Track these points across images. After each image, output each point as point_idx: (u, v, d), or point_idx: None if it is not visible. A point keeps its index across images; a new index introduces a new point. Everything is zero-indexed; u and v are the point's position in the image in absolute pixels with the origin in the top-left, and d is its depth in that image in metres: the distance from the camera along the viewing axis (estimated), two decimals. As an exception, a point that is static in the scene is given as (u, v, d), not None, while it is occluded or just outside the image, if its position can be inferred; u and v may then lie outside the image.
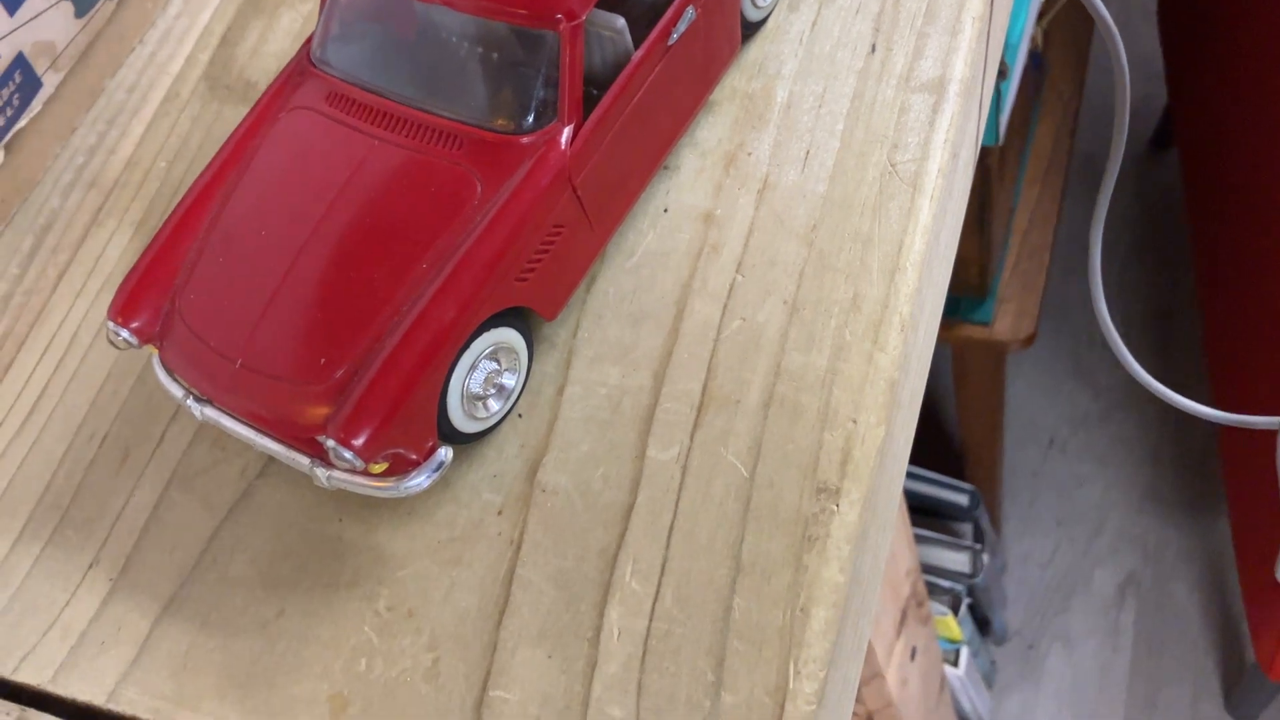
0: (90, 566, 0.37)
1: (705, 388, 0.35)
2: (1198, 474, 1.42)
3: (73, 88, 0.46)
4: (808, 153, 0.38)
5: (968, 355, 1.03)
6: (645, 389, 0.35)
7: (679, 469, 0.34)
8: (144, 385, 0.40)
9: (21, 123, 0.44)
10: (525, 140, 0.33)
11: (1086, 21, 1.04)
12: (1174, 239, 1.58)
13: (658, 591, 0.32)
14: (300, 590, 0.35)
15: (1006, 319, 0.98)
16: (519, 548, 0.34)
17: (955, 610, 1.04)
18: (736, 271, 0.37)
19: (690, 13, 0.36)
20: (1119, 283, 1.56)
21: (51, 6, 0.43)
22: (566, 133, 0.33)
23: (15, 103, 0.43)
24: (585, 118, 0.34)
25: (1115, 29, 0.41)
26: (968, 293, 0.97)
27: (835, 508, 0.32)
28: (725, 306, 0.36)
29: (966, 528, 1.13)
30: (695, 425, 0.34)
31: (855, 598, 0.32)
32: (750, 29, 0.40)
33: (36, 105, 0.44)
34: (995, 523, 1.35)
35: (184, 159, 0.45)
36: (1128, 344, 1.67)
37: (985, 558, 1.08)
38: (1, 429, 0.40)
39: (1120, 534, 1.41)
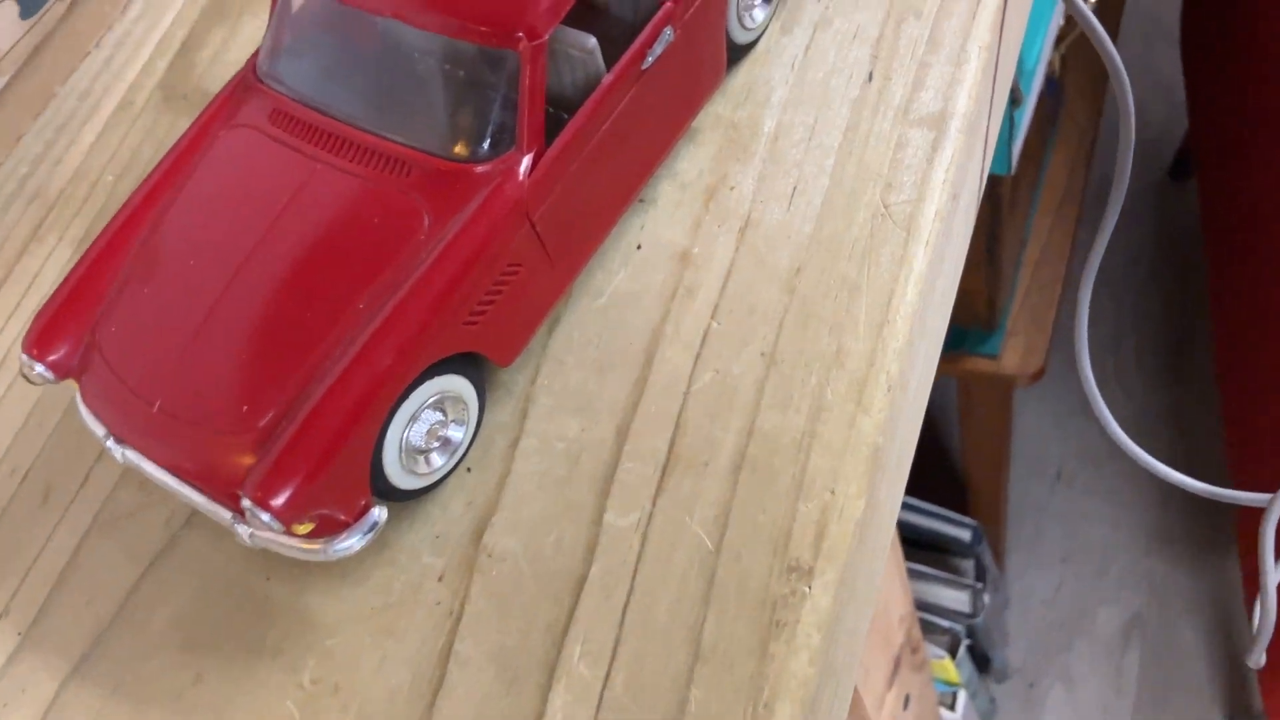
0: (0, 616, 0.34)
1: (672, 446, 0.32)
2: (1207, 515, 1.38)
3: (18, 93, 0.43)
4: (795, 189, 0.35)
5: (974, 388, 1.00)
6: (607, 444, 0.32)
7: (638, 537, 0.30)
8: (71, 419, 0.37)
9: (-40, 130, 0.41)
10: (480, 169, 0.30)
11: (1112, 28, 1.01)
12: (1190, 269, 1.54)
13: (607, 677, 0.29)
14: (221, 654, 0.32)
15: (1015, 353, 0.94)
16: (459, 619, 0.30)
17: (953, 653, 1.00)
18: (712, 318, 0.33)
19: (668, 33, 0.33)
20: (1133, 312, 1.52)
21: (-7, 7, 0.40)
22: (525, 162, 0.30)
23: (-49, 108, 0.40)
24: (547, 145, 0.31)
25: (1124, 72, 0.38)
26: (975, 325, 0.94)
27: (807, 589, 0.29)
28: (698, 356, 0.33)
29: (968, 564, 1.09)
30: (659, 488, 0.31)
31: (826, 690, 0.29)
32: (738, 52, 0.37)
33: (-23, 112, 0.41)
34: (998, 557, 1.31)
35: (133, 173, 0.42)
36: (1139, 374, 1.61)
37: (986, 597, 1.04)
38: (-81, 460, 0.37)
39: (1126, 573, 1.37)
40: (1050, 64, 0.87)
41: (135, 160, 0.42)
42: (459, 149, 0.31)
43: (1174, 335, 1.50)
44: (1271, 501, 0.39)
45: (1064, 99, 1.00)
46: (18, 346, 0.39)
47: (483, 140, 0.30)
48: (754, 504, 0.30)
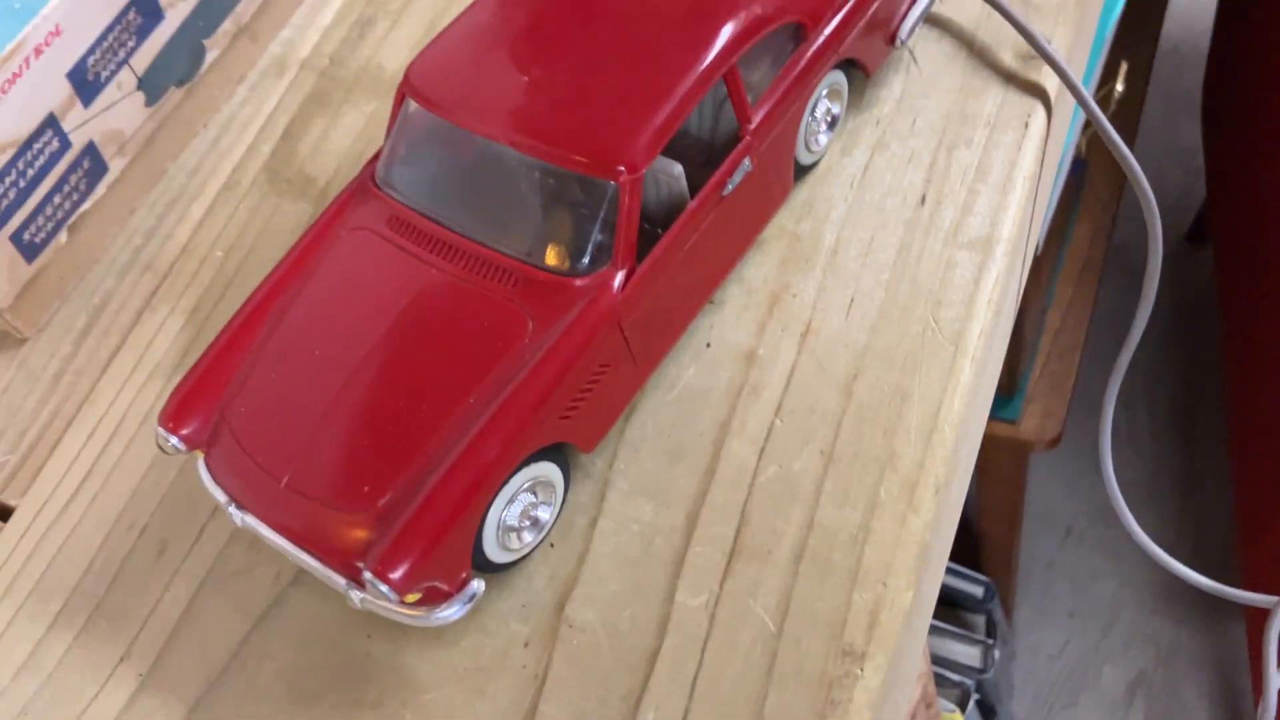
0: (121, 660, 0.37)
1: (738, 534, 0.35)
2: (1214, 576, 1.40)
3: (136, 171, 0.47)
4: (852, 300, 0.39)
5: (991, 450, 1.03)
6: (677, 530, 0.36)
7: (707, 617, 0.34)
8: (185, 478, 0.41)
9: (86, 205, 0.45)
10: (579, 283, 0.34)
11: (1130, 125, 1.05)
12: (1204, 332, 1.57)
13: (679, 743, 0.32)
14: (325, 706, 0.35)
15: (1033, 419, 0.98)
16: (543, 683, 0.34)
17: (963, 706, 1.03)
18: (775, 415, 0.37)
19: (746, 164, 0.36)
20: (1146, 373, 1.56)
21: (124, 97, 0.44)
22: (619, 277, 0.34)
23: (82, 188, 0.44)
24: (638, 262, 0.35)
25: (1145, 180, 0.41)
26: (995, 390, 0.97)
27: (860, 672, 0.32)
28: (762, 451, 0.36)
29: (979, 620, 1.12)
30: (726, 573, 0.34)
31: (874, 763, 0.32)
32: (802, 171, 0.41)
33: (101, 189, 0.45)
34: (1007, 610, 1.34)
35: (240, 250, 0.46)
36: (1151, 435, 1.64)
37: (996, 652, 1.07)
38: (45, 509, 0.41)
39: (1133, 631, 1.40)
40: (1078, 146, 0.91)
41: (242, 238, 0.46)
42: (560, 263, 0.34)
43: (1187, 398, 1.54)
44: (1277, 605, 0.42)
45: (1088, 174, 1.04)
46: (134, 410, 0.43)
47: (582, 256, 0.34)
48: (813, 592, 0.34)
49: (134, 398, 0.43)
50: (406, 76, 0.37)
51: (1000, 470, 1.05)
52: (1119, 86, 0.88)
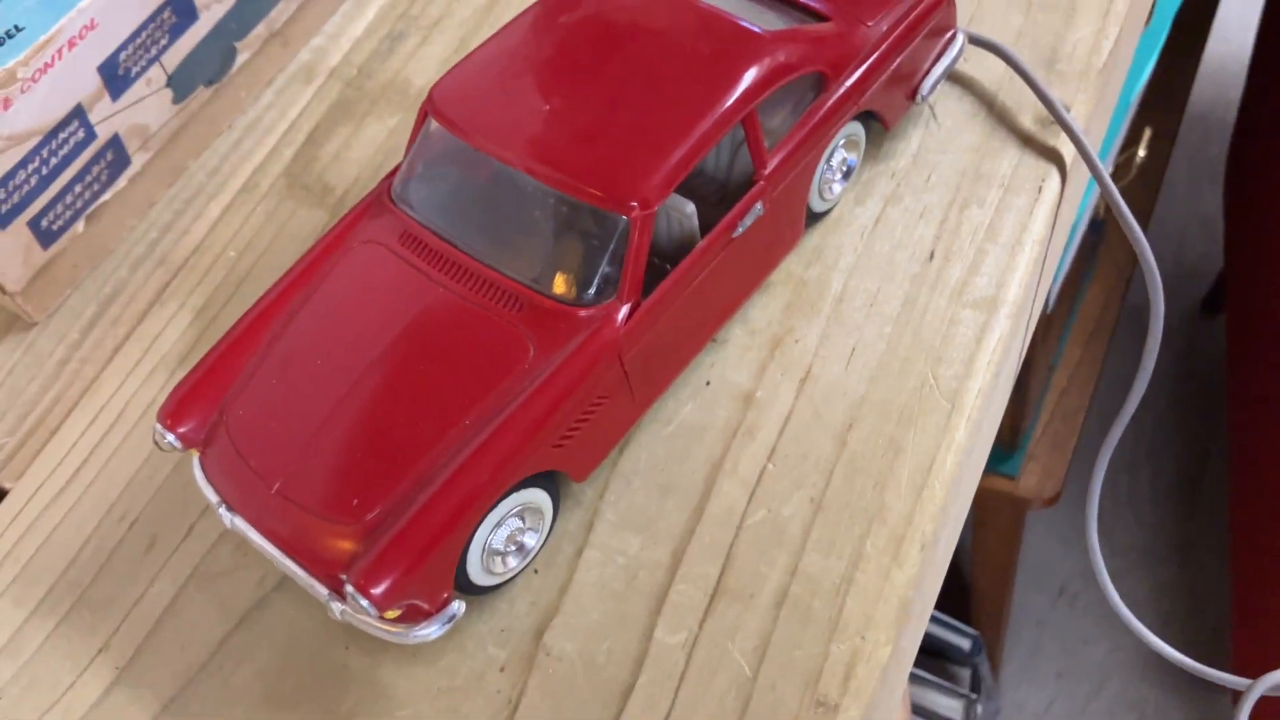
0: (100, 651, 0.38)
1: (721, 575, 0.35)
2: (1206, 648, 1.40)
3: (158, 166, 0.47)
4: (853, 350, 0.39)
5: (988, 505, 1.03)
6: (662, 566, 0.36)
7: (684, 656, 0.34)
8: (180, 474, 0.41)
9: (105, 196, 0.45)
10: (583, 313, 0.34)
11: (1151, 191, 1.05)
12: (1211, 403, 1.57)
13: (645, 780, 0.32)
14: (298, 714, 0.35)
15: (1032, 477, 0.98)
16: (516, 709, 0.34)
17: (942, 759, 1.02)
18: (769, 459, 0.37)
19: (758, 208, 0.37)
20: (1152, 439, 1.55)
21: (153, 94, 0.45)
22: (624, 311, 0.34)
23: (103, 179, 0.45)
24: (644, 296, 0.35)
25: (1150, 254, 0.42)
26: (996, 444, 0.97)
27: (832, 723, 0.32)
28: (753, 494, 0.37)
29: (964, 673, 1.12)
30: (706, 613, 0.35)
31: (839, 816, 0.32)
32: (814, 218, 0.41)
33: (122, 181, 0.46)
34: (994, 666, 1.33)
35: (253, 251, 0.46)
36: (1152, 506, 1.63)
37: (979, 708, 1.07)
38: (39, 494, 0.41)
39: (1120, 697, 1.39)
40: (1096, 207, 0.91)
41: (257, 239, 0.47)
42: (566, 291, 0.35)
43: (1192, 466, 1.53)
44: (1251, 688, 0.42)
45: (1105, 236, 1.04)
46: (136, 402, 0.43)
47: (588, 287, 0.35)
48: (791, 639, 0.34)
49: (136, 389, 0.43)
50: (430, 96, 0.38)
51: (996, 525, 1.04)
52: (1141, 152, 0.88)
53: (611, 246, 0.34)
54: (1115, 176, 0.89)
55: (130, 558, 0.39)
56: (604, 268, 0.35)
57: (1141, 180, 0.97)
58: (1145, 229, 1.13)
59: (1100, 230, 1.03)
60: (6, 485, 0.42)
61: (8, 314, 0.46)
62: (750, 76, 0.36)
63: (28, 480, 0.42)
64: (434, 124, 0.38)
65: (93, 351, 0.45)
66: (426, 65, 0.50)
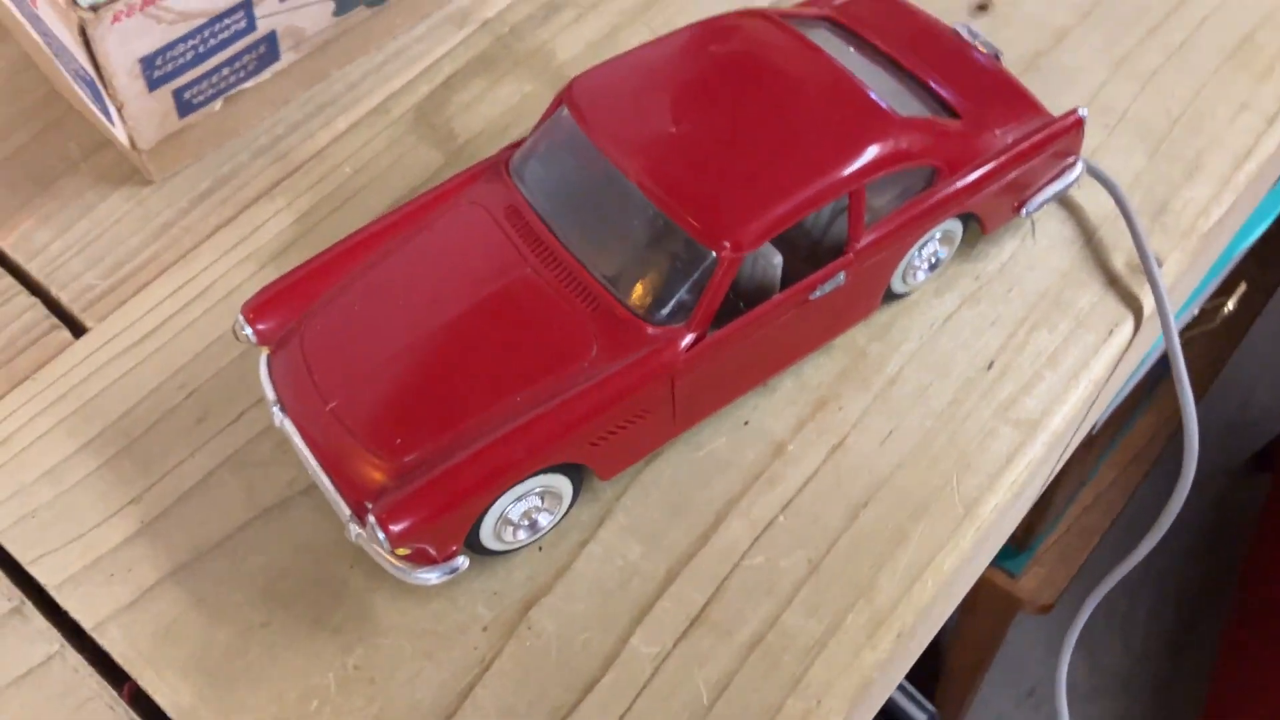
0: (131, 502, 0.40)
1: (707, 604, 0.37)
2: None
3: (303, 67, 0.50)
4: (890, 433, 0.40)
5: (982, 594, 1.04)
6: (656, 578, 0.38)
7: (652, 668, 0.36)
8: (244, 362, 0.43)
9: (248, 84, 0.48)
10: (650, 330, 0.36)
11: (1232, 340, 1.05)
12: (1231, 560, 1.56)
13: (584, 770, 0.34)
14: (292, 612, 0.38)
15: (1033, 581, 0.98)
16: (487, 669, 0.36)
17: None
18: (781, 511, 0.39)
19: (840, 278, 0.38)
20: (1164, 571, 1.54)
21: (317, 2, 0.47)
22: (688, 339, 0.36)
23: (250, 68, 0.47)
24: (710, 330, 0.37)
25: (1195, 422, 0.43)
26: (1007, 541, 0.98)
27: (767, 771, 0.34)
28: (757, 538, 0.38)
29: (912, 745, 1.13)
30: (683, 635, 0.37)
31: None
32: (892, 297, 0.43)
33: (266, 74, 0.48)
34: (945, 748, 1.34)
35: (367, 173, 0.48)
36: (1143, 636, 1.61)
37: (918, 781, 1.08)
38: (114, 341, 0.44)
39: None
40: (1170, 343, 0.91)
41: (374, 162, 0.49)
42: (641, 305, 0.37)
43: (1192, 612, 1.52)
44: None
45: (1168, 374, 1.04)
46: (223, 282, 0.46)
47: (662, 307, 0.36)
48: (753, 683, 0.35)
49: (226, 271, 0.46)
50: (570, 85, 0.39)
51: (984, 615, 1.05)
52: (1230, 305, 0.88)
53: (695, 276, 0.36)
54: (1198, 321, 0.89)
55: (180, 425, 0.42)
56: (682, 294, 0.36)
57: (1224, 329, 0.97)
58: (1217, 375, 1.13)
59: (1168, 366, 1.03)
60: (88, 324, 0.45)
61: (129, 167, 0.49)
62: (871, 154, 0.37)
63: (107, 325, 0.45)
64: (565, 112, 0.39)
65: (197, 223, 0.48)
66: (574, 43, 0.52)
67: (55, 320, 0.45)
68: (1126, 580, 1.59)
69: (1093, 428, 0.80)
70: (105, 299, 0.46)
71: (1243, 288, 0.90)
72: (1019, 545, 0.99)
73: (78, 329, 0.45)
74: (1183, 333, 0.90)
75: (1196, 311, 0.88)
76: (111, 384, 0.43)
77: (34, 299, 0.46)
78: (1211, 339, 1.02)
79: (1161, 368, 1.03)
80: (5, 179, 0.49)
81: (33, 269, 0.47)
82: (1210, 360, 1.08)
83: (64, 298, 0.46)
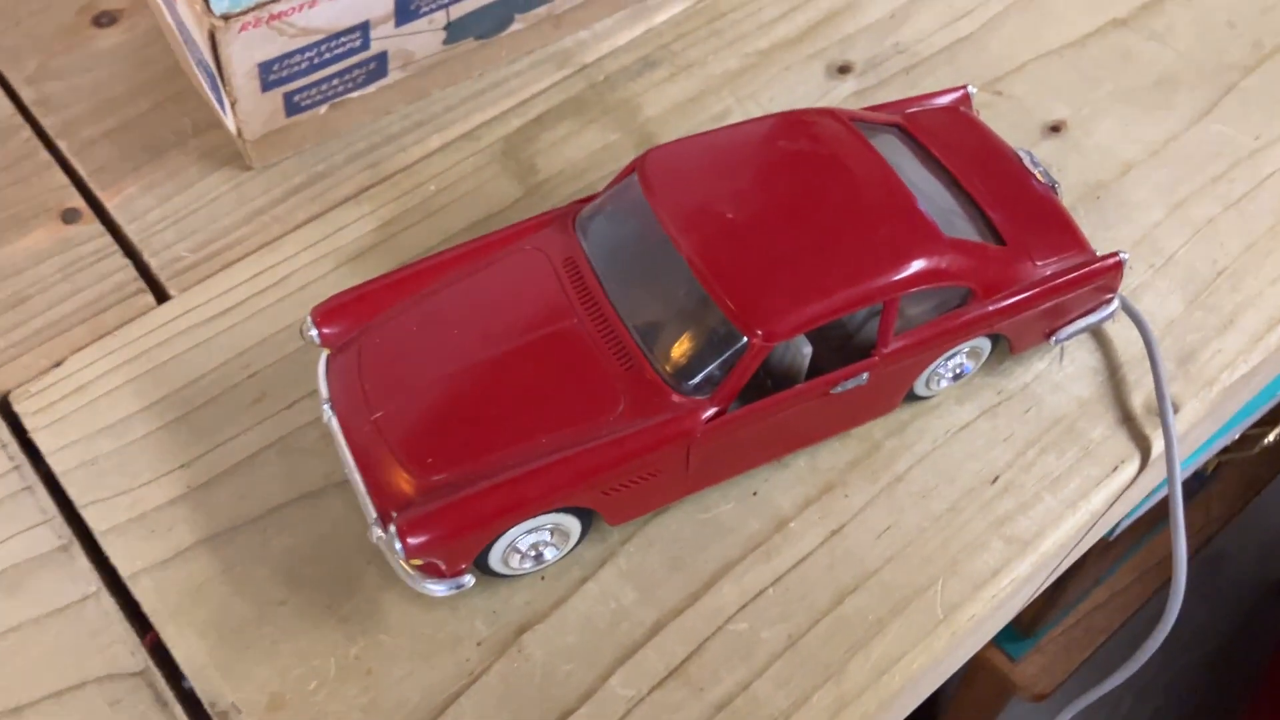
0: (181, 466, 0.44)
1: (686, 660, 0.40)
2: None
3: (407, 83, 0.53)
4: (888, 528, 0.43)
5: (980, 671, 1.05)
6: (644, 626, 0.40)
7: (624, 709, 0.39)
8: (307, 355, 0.47)
9: (354, 94, 0.51)
10: (675, 398, 0.39)
11: (1268, 474, 1.05)
12: (1236, 688, 1.54)
13: (545, 792, 0.37)
14: (306, 595, 0.41)
15: (1032, 668, 0.99)
16: (474, 682, 0.39)
17: None
18: (772, 583, 0.41)
19: (864, 377, 0.41)
20: (1172, 682, 1.53)
21: (430, 31, 0.50)
22: (710, 412, 0.39)
23: (359, 80, 0.51)
24: (732, 407, 0.39)
25: (1184, 564, 0.44)
26: (1012, 625, 0.99)
27: (712, 825, 0.36)
28: (745, 606, 0.41)
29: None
30: (659, 684, 0.39)
31: None
32: (914, 398, 0.45)
33: (372, 87, 0.52)
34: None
35: (448, 194, 0.52)
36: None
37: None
38: (192, 313, 0.48)
39: None
40: (1206, 464, 0.92)
41: (457, 185, 0.52)
42: (671, 372, 0.39)
43: (1193, 723, 1.51)
44: None
45: (1208, 490, 1.04)
46: (301, 274, 0.49)
47: (691, 378, 0.39)
48: (714, 741, 0.38)
49: (306, 264, 0.49)
50: (645, 156, 0.42)
51: (979, 691, 1.07)
52: (1271, 437, 0.88)
53: (725, 355, 0.39)
54: (1235, 447, 0.90)
55: (238, 402, 0.46)
56: (712, 369, 0.39)
57: (1263, 459, 0.97)
58: (1258, 494, 1.12)
59: (1203, 483, 1.03)
60: (172, 293, 0.49)
61: (233, 150, 0.52)
62: (912, 268, 0.40)
63: (188, 297, 0.48)
64: (636, 179, 0.42)
65: (286, 213, 0.51)
66: (662, 100, 0.55)
67: (143, 284, 0.49)
68: (1134, 680, 1.59)
69: (1108, 534, 0.81)
70: (191, 271, 0.49)
71: (1288, 421, 0.90)
72: (1024, 631, 1.00)
73: (162, 295, 0.49)
74: (1221, 454, 0.91)
75: (1238, 436, 0.89)
76: (183, 352, 0.47)
77: (127, 260, 0.50)
78: (1250, 464, 1.03)
79: (1195, 483, 1.03)
80: (122, 142, 0.53)
81: (131, 232, 0.50)
82: (1248, 482, 1.08)
83: (154, 264, 0.50)
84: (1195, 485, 1.04)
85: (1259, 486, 1.11)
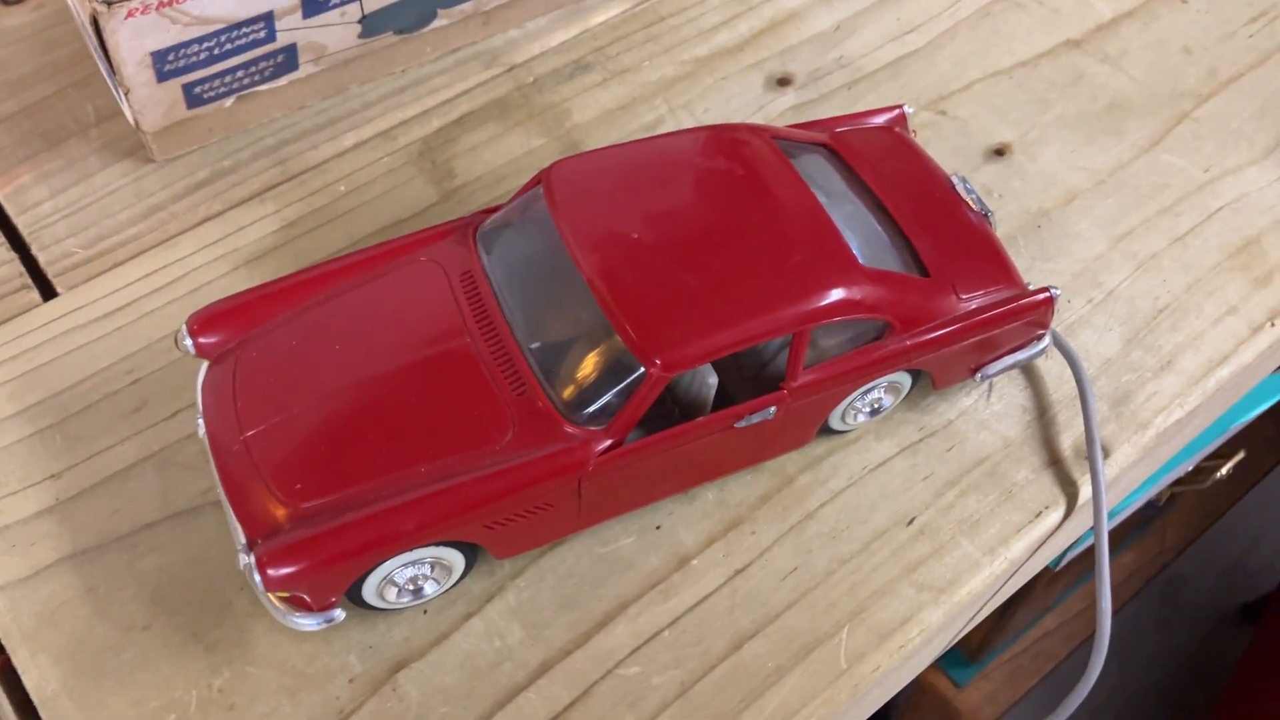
0: (51, 477, 0.41)
1: (570, 706, 0.37)
2: None
3: (322, 78, 0.50)
4: (794, 569, 0.40)
5: (925, 697, 1.03)
6: (528, 668, 0.38)
7: (499, 757, 0.36)
8: (192, 361, 0.44)
9: (261, 88, 0.49)
10: (568, 428, 0.36)
11: (1221, 506, 1.03)
12: (1203, 705, 1.53)
13: (407, 846, 0.35)
14: (173, 621, 0.38)
15: (977, 695, 0.98)
16: (342, 722, 0.37)
17: None
18: (669, 625, 0.39)
19: (769, 411, 0.38)
20: (1129, 708, 1.52)
21: (342, 24, 0.48)
22: (604, 444, 0.36)
23: (266, 74, 0.48)
24: (627, 440, 0.37)
25: (1109, 613, 0.42)
26: (959, 649, 0.97)
27: None
28: (638, 649, 0.39)
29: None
30: (538, 731, 0.37)
31: None
32: (830, 432, 0.42)
33: (282, 81, 0.49)
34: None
35: (358, 195, 0.49)
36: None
37: None
38: (77, 312, 0.45)
39: None
40: (1160, 494, 0.90)
41: (369, 186, 0.49)
42: (565, 399, 0.37)
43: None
44: None
45: (1160, 519, 1.03)
46: (196, 275, 0.46)
47: (585, 407, 0.37)
48: (592, 795, 0.36)
49: (202, 264, 0.47)
50: (551, 169, 0.40)
51: (925, 714, 1.05)
52: (1224, 470, 0.87)
53: (621, 385, 0.36)
54: (1189, 479, 0.88)
55: (117, 410, 0.43)
56: (609, 398, 0.37)
57: (1216, 489, 0.96)
58: (1199, 533, 1.10)
59: (1157, 513, 1.01)
60: (59, 290, 0.46)
61: (136, 141, 0.50)
62: (825, 299, 0.37)
63: (75, 295, 0.46)
64: (541, 191, 0.40)
65: (185, 210, 0.48)
66: (591, 106, 0.52)
67: (28, 280, 0.46)
68: (1087, 704, 1.57)
69: (1053, 564, 0.79)
70: (80, 268, 0.47)
71: (1241, 455, 0.88)
72: (971, 658, 0.98)
73: (49, 292, 0.46)
74: (1174, 484, 0.89)
75: (1191, 468, 0.87)
76: (64, 354, 0.44)
77: (13, 254, 0.47)
78: (1204, 496, 1.01)
79: (1150, 512, 1.02)
80: (18, 129, 0.50)
81: (21, 224, 0.48)
82: (1203, 515, 1.07)
83: (42, 259, 0.47)
84: (1149, 514, 1.02)
85: (1215, 516, 1.10)
